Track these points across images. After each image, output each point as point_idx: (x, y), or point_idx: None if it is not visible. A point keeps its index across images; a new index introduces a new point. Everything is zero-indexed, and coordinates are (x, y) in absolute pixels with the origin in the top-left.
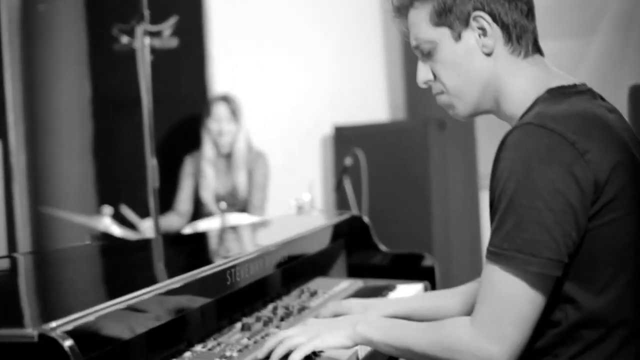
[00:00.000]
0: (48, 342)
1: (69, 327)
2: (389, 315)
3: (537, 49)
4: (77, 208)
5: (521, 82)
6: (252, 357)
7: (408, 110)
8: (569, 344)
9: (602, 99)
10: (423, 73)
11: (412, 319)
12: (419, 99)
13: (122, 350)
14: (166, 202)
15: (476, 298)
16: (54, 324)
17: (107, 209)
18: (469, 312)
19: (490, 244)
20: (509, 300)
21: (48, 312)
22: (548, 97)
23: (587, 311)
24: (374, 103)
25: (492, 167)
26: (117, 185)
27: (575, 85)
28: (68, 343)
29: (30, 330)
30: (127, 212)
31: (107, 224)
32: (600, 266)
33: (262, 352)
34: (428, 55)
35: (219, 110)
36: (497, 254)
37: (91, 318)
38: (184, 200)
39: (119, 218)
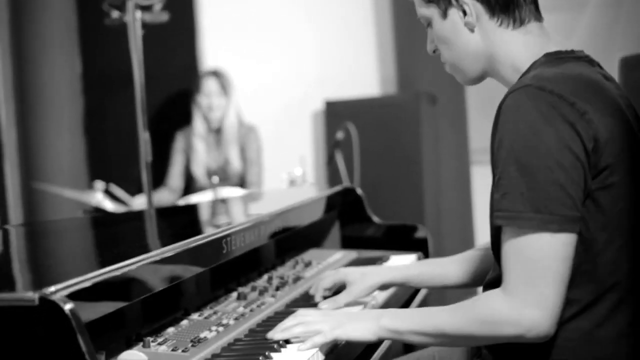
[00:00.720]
0: (48, 306)
1: (69, 291)
2: (387, 282)
3: (535, 16)
4: (68, 184)
5: (515, 51)
6: (248, 326)
7: (399, 84)
8: (562, 306)
9: (600, 66)
10: (429, 43)
11: (410, 285)
12: (410, 73)
13: (120, 318)
14: (157, 178)
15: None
16: (53, 288)
17: (100, 184)
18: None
19: (503, 208)
20: (538, 262)
21: (47, 278)
22: (545, 61)
23: (582, 273)
24: (364, 77)
25: (492, 132)
26: (108, 160)
27: (572, 51)
28: (68, 306)
29: (30, 294)
30: (117, 191)
31: (100, 199)
32: (597, 229)
33: (279, 333)
34: (430, 27)
35: (209, 85)
36: (514, 218)
37: (90, 283)
38: (175, 176)
39: (111, 193)
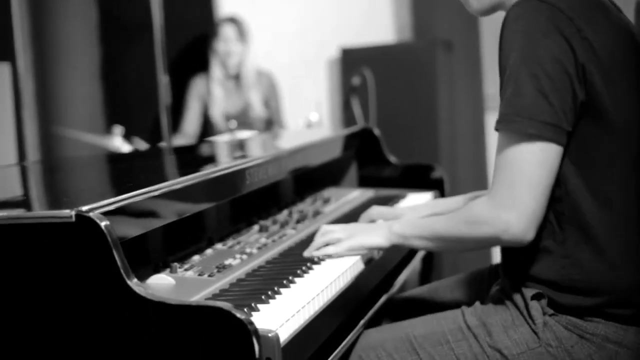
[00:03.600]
0: (85, 222)
1: (103, 210)
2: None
3: None
4: (87, 129)
5: None
6: (272, 254)
7: (415, 31)
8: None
9: None
10: None
11: None
12: (425, 19)
13: (147, 245)
14: (174, 125)
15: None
16: (89, 206)
17: (118, 129)
18: None
19: (498, 113)
20: (517, 165)
21: (81, 199)
22: None
23: (592, 189)
24: (379, 24)
25: (498, 45)
26: (126, 106)
27: None
28: (104, 222)
29: (67, 211)
30: (138, 143)
31: (119, 144)
32: (603, 145)
33: (306, 251)
34: None
35: (227, 32)
36: (499, 121)
37: (122, 204)
38: (191, 122)
39: (130, 138)
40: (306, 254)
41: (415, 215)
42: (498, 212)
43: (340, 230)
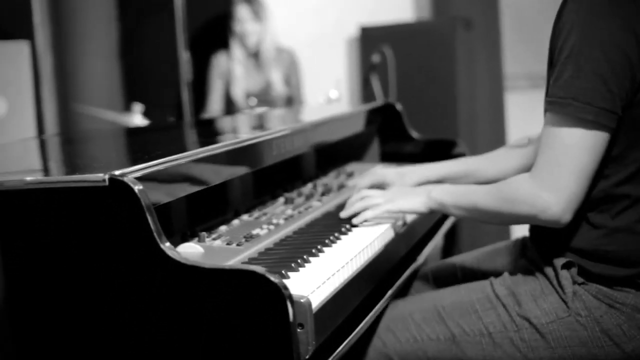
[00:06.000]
0: (118, 186)
1: (137, 174)
2: (423, 180)
3: None
4: (106, 106)
5: None
6: (298, 225)
7: (434, 8)
8: (614, 201)
9: None
10: None
11: (447, 182)
12: None
13: (176, 213)
14: (195, 102)
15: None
16: (122, 171)
17: (138, 106)
18: (504, 177)
19: (549, 94)
20: (565, 149)
21: (114, 165)
22: None
23: (634, 168)
24: (398, 2)
25: (554, 22)
26: (146, 83)
27: None
28: (138, 187)
29: (101, 175)
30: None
31: (138, 121)
32: None
33: (344, 211)
34: None
35: (241, 12)
36: (554, 102)
37: (154, 169)
38: (215, 102)
39: (150, 115)
40: (343, 214)
41: (424, 174)
42: (539, 192)
43: (379, 195)
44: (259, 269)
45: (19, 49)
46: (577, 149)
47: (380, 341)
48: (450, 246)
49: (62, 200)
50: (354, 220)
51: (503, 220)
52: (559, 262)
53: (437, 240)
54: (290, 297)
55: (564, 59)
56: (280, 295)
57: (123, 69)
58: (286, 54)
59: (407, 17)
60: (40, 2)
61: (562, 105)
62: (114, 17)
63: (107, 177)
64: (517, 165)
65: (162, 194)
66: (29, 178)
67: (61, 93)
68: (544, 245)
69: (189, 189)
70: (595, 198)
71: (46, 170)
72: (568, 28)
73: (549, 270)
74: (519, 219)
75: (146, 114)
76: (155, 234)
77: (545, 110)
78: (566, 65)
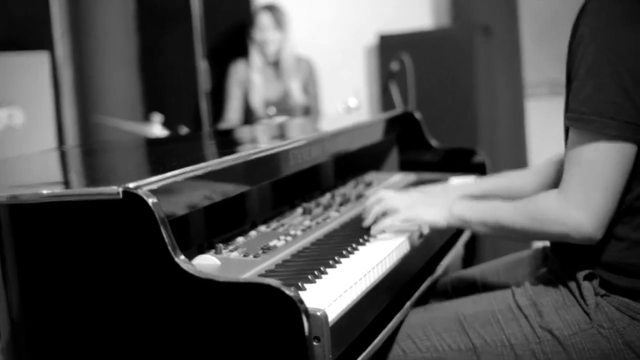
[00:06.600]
0: (132, 199)
1: (150, 187)
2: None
3: None
4: (125, 117)
5: None
6: (316, 236)
7: (453, 16)
8: (636, 213)
9: None
10: None
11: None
12: (463, 4)
13: (191, 226)
14: (214, 112)
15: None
16: (136, 183)
17: (157, 117)
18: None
19: (570, 109)
20: (593, 165)
21: (128, 177)
22: None
23: None
24: (417, 10)
25: (570, 35)
26: (165, 94)
27: None
28: (152, 200)
29: (115, 188)
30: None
31: (157, 131)
32: None
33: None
34: None
35: (263, 20)
36: (576, 119)
37: (169, 182)
38: (234, 110)
39: (169, 125)
40: (365, 223)
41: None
42: (568, 212)
43: (397, 198)
44: (274, 282)
45: (39, 60)
46: (605, 165)
47: (399, 349)
48: (470, 256)
49: (77, 214)
50: (372, 231)
51: (531, 238)
52: (581, 273)
53: (457, 250)
54: (305, 310)
55: (585, 74)
56: (295, 308)
57: (143, 79)
58: (305, 64)
59: (425, 24)
60: (60, 13)
61: (586, 122)
62: (133, 28)
63: (121, 189)
64: (543, 180)
65: (178, 206)
66: (44, 191)
67: (81, 104)
68: (566, 257)
69: (206, 201)
70: (618, 210)
71: (62, 183)
72: (587, 41)
73: (570, 281)
74: (550, 238)
75: (165, 124)
76: (169, 247)
77: (567, 126)
78: (588, 80)
